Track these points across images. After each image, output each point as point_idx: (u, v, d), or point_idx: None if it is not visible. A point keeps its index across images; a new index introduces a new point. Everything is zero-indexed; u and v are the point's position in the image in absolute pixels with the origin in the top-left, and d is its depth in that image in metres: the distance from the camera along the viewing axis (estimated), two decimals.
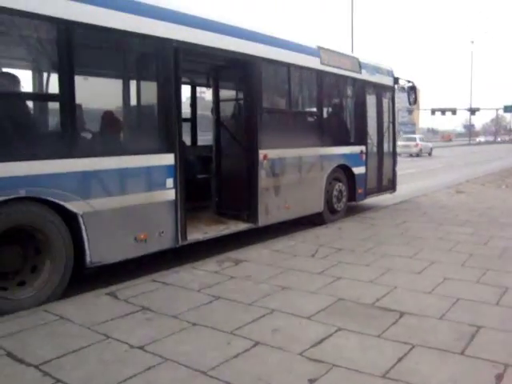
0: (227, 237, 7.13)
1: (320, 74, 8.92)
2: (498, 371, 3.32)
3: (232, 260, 6.15)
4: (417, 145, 41.33)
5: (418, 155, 40.25)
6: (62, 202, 4.90)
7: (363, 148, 10.26)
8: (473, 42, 76.49)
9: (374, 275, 5.49)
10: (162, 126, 6.13)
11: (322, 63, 8.90)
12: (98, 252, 5.23)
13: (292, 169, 8.21)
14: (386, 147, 11.43)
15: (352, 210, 10.14)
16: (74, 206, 5.00)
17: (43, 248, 4.89)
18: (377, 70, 10.84)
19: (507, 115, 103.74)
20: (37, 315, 4.36)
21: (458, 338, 3.83)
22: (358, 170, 10.09)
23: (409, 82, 12.10)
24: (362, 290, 5.02)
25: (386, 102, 11.33)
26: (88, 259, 5.15)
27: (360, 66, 10.15)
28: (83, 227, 5.07)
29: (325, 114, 9.37)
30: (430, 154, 42.26)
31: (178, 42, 6.07)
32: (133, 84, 6.25)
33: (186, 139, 7.92)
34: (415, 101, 12.38)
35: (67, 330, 4.04)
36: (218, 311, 4.46)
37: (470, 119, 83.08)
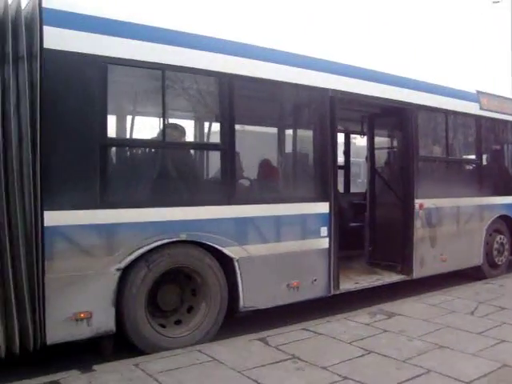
0: (379, 288, 6.91)
1: (479, 119, 8.52)
2: None
3: (385, 313, 5.93)
4: None
5: None
6: (219, 247, 5.10)
7: None
8: None
9: None
10: (318, 174, 6.19)
11: (481, 108, 8.51)
12: (250, 297, 5.33)
13: (449, 219, 7.83)
14: None
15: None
16: (230, 251, 5.18)
17: (199, 290, 5.10)
18: None
19: None
20: (191, 354, 4.52)
21: None
22: None
23: None
24: None
25: None
26: (241, 303, 5.26)
27: None
28: (238, 272, 5.22)
29: (484, 162, 8.87)
30: None
31: (333, 91, 6.16)
32: (289, 133, 6.44)
33: (340, 186, 7.91)
34: None
35: (219, 372, 4.13)
36: (369, 366, 4.29)
37: None
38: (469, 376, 4.07)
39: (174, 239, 4.81)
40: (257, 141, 6.32)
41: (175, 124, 5.59)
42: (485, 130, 8.75)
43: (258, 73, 5.51)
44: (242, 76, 5.37)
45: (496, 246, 8.75)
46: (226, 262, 5.20)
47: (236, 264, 5.21)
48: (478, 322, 5.64)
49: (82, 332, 4.38)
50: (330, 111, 6.14)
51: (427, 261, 7.38)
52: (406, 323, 5.54)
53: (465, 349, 4.71)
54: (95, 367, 4.22)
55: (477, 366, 4.29)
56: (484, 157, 8.86)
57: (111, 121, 4.98)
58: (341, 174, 9.13)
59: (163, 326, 4.94)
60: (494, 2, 30.76)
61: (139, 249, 4.62)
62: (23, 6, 4.41)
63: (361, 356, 4.52)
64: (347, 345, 4.81)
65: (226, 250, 5.14)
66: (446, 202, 7.75)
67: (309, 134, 6.32)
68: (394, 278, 7.12)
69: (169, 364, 4.27)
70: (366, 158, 7.96)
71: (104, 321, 4.47)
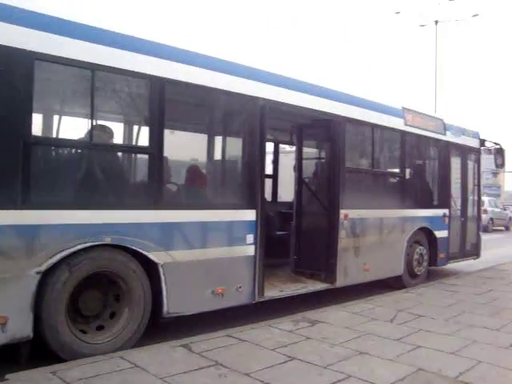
0: (304, 296, 7.02)
1: (404, 134, 8.85)
2: None
3: (308, 320, 6.01)
4: (485, 211, 23.51)
5: (486, 229, 21.21)
6: (144, 252, 5.02)
7: (446, 211, 9.96)
8: None
9: (457, 346, 5.18)
10: (246, 182, 6.22)
11: (406, 124, 8.84)
12: (175, 303, 5.28)
13: (372, 230, 8.07)
14: (470, 211, 11.05)
15: (433, 276, 9.77)
16: (155, 256, 5.11)
17: (123, 295, 5.00)
18: (462, 131, 10.62)
19: None
20: (113, 361, 4.41)
21: None
22: (440, 234, 9.77)
23: (496, 144, 11.71)
24: (443, 361, 4.75)
25: (470, 164, 11.05)
26: (165, 309, 5.20)
27: (445, 127, 10.00)
28: (163, 277, 5.15)
29: (407, 176, 9.21)
30: (507, 228, 30.09)
31: (264, 100, 6.22)
32: (219, 139, 6.44)
33: (267, 195, 7.98)
34: (503, 164, 11.94)
35: (141, 379, 4.05)
36: (292, 372, 4.34)
37: None
38: (387, 380, 4.20)
39: (98, 243, 4.69)
40: (186, 146, 6.28)
41: (103, 125, 5.46)
42: (408, 145, 9.08)
43: (190, 78, 5.48)
44: (173, 80, 5.34)
45: (416, 256, 9.12)
46: (150, 268, 5.12)
47: (161, 269, 5.14)
48: (396, 329, 5.82)
49: None
50: (260, 120, 6.19)
51: (351, 270, 7.54)
52: (329, 330, 5.64)
53: (384, 354, 4.85)
54: (8, 376, 4.01)
55: (394, 371, 4.43)
56: (407, 171, 9.18)
57: (36, 119, 4.78)
58: (269, 183, 9.27)
59: (84, 332, 4.79)
60: (396, 13, 32.46)
61: (61, 252, 4.46)
62: None
63: (284, 362, 4.55)
64: (270, 351, 4.84)
65: (150, 255, 5.07)
66: (370, 213, 7.95)
67: (238, 141, 6.34)
68: (318, 286, 7.22)
69: (89, 371, 4.13)
70: (294, 168, 8.07)
71: (20, 326, 4.28)
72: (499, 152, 11.73)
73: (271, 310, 6.43)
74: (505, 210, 31.27)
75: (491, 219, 27.43)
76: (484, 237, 18.76)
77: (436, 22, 32.69)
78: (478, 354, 4.98)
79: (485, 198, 26.81)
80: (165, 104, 5.26)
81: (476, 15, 31.89)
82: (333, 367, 4.47)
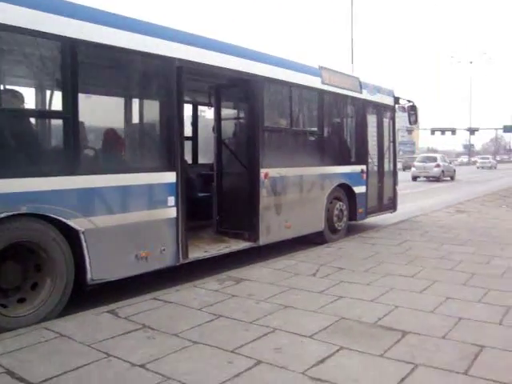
0: (229, 255, 7.13)
1: (321, 93, 8.98)
2: None
3: (233, 279, 6.13)
4: (438, 165, 33.36)
5: (438, 179, 32.69)
6: (63, 219, 4.90)
7: (364, 167, 10.29)
8: (471, 63, 76.37)
9: (376, 294, 5.47)
10: (165, 144, 6.16)
11: (323, 83, 8.96)
12: (99, 269, 5.21)
13: (293, 187, 8.21)
14: (387, 166, 11.45)
15: (352, 230, 10.12)
16: (75, 223, 5.00)
17: (44, 265, 4.87)
18: (377, 89, 10.90)
19: (506, 135, 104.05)
20: (37, 333, 4.33)
21: (462, 358, 3.81)
22: (359, 189, 10.10)
23: (409, 101, 12.13)
24: (363, 309, 5.00)
25: (386, 121, 11.39)
26: (89, 276, 5.13)
27: (361, 85, 10.21)
28: (85, 244, 5.06)
29: (326, 134, 9.38)
30: (452, 178, 35.47)
31: (180, 60, 6.12)
32: (135, 102, 6.31)
33: (188, 157, 7.94)
34: (416, 121, 12.42)
35: (67, 347, 4.02)
36: (219, 330, 4.43)
37: (470, 139, 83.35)
38: (311, 330, 4.37)
39: (14, 212, 4.53)
40: (102, 110, 6.09)
41: (13, 90, 5.21)
42: (326, 103, 9.23)
43: (102, 39, 5.29)
44: (85, 41, 5.12)
45: (336, 212, 9.38)
46: (71, 235, 5.01)
47: (82, 236, 5.04)
48: (319, 282, 6.04)
49: None
50: (177, 81, 6.10)
51: (273, 228, 7.69)
52: (254, 287, 5.78)
53: (307, 307, 5.04)
54: None
55: (318, 321, 4.62)
56: (325, 129, 9.35)
57: None
58: (189, 145, 9.20)
59: (4, 306, 4.64)
60: None
61: None
62: None
63: (210, 321, 4.64)
64: (197, 311, 4.92)
65: (70, 222, 4.95)
66: (290, 172, 8.08)
67: (155, 103, 6.25)
68: (241, 245, 7.33)
69: (11, 345, 4.04)
70: (213, 129, 8.05)
71: None
72: (412, 109, 12.16)
73: (198, 273, 6.48)
74: (451, 163, 38.48)
75: (443, 171, 33.57)
76: (436, 185, 20.36)
77: None
78: (395, 299, 5.28)
79: (437, 155, 37.92)
80: (77, 66, 5.07)
81: None
82: (259, 322, 4.60)
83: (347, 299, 5.32)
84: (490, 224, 11.06)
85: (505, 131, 75.21)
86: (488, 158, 65.06)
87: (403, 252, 7.82)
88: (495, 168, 60.32)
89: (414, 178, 33.56)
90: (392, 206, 11.67)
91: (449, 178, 34.83)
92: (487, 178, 38.53)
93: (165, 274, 6.16)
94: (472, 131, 72.60)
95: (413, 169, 35.11)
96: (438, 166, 33.30)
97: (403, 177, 23.08)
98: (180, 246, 6.16)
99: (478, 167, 62.45)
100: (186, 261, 6.31)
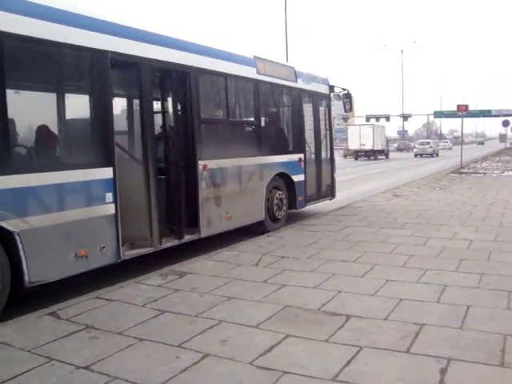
0: (171, 249, 7.06)
1: (257, 83, 8.99)
2: (441, 366, 3.44)
3: (176, 273, 6.08)
4: (431, 147, 54.91)
5: (432, 155, 53.06)
6: None
7: (301, 156, 10.39)
8: (402, 51, 78.31)
9: (319, 281, 5.56)
10: (100, 140, 6.03)
11: (258, 73, 8.97)
12: (37, 271, 5.06)
13: (232, 179, 8.23)
14: (324, 154, 11.63)
15: (293, 218, 10.23)
16: (9, 225, 4.82)
17: None
18: (312, 78, 11.03)
19: (437, 120, 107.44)
20: None
21: (403, 337, 3.94)
22: (298, 178, 10.20)
23: (344, 89, 12.32)
24: (307, 296, 5.08)
25: (322, 109, 11.53)
26: (26, 279, 4.96)
27: (296, 74, 10.30)
28: (20, 246, 4.89)
29: (263, 123, 9.41)
30: (437, 155, 54.49)
31: (113, 53, 6.00)
32: (67, 98, 6.10)
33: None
34: (351, 108, 12.62)
35: (6, 354, 3.87)
36: (164, 325, 4.40)
37: (403, 125, 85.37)
38: (257, 320, 4.41)
39: None
40: (34, 106, 5.86)
41: None
42: (262, 93, 9.25)
43: (33, 32, 5.11)
44: (13, 34, 4.92)
45: (276, 201, 9.47)
46: (5, 237, 4.83)
47: (17, 238, 4.86)
48: (262, 271, 6.08)
49: None
50: (110, 74, 5.98)
51: (214, 220, 7.70)
52: (197, 280, 5.76)
53: (252, 297, 5.08)
54: None
55: (263, 311, 4.66)
56: (262, 119, 9.37)
57: None
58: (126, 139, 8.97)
59: None
60: None
61: None
62: None
63: (155, 316, 4.59)
64: (141, 308, 4.86)
65: (3, 224, 4.76)
66: (228, 163, 8.10)
67: (90, 98, 6.07)
68: (183, 238, 7.29)
69: None
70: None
71: None
72: (347, 97, 12.35)
73: (140, 269, 6.40)
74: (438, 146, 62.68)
75: (433, 150, 54.46)
76: (374, 170, 20.80)
77: None
78: (338, 285, 5.40)
79: (430, 140, 63.22)
80: (3, 61, 4.88)
81: None
82: (204, 315, 4.60)
83: (291, 287, 5.39)
84: (425, 206, 11.44)
85: (435, 117, 77.59)
86: (429, 143, 57.23)
87: (344, 238, 7.97)
88: (437, 155, 54.48)
89: (416, 155, 53.09)
90: (331, 193, 11.86)
91: (435, 155, 53.56)
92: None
93: (107, 271, 6.04)
94: (405, 117, 74.56)
95: (415, 149, 55.65)
96: (430, 147, 54.74)
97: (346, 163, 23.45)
98: (120, 242, 6.05)
99: (415, 155, 54.09)
100: (128, 257, 6.22)
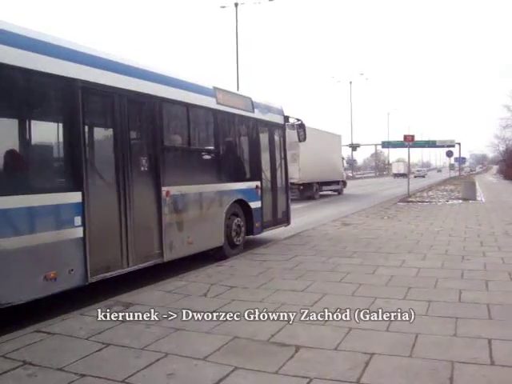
0: (117, 279, 6.62)
1: (216, 113, 8.95)
2: None
3: (122, 303, 5.69)
4: (420, 171, 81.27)
5: (423, 177, 77.67)
6: None
7: (258, 183, 10.26)
8: (351, 83, 79.61)
9: (268, 311, 5.24)
10: (68, 164, 5.94)
11: (217, 103, 8.93)
12: (5, 293, 4.85)
13: (193, 204, 8.14)
14: (280, 182, 11.51)
15: (250, 245, 9.98)
16: None
17: None
18: (268, 108, 10.95)
19: (385, 150, 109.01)
20: None
21: (353, 367, 3.76)
22: (255, 205, 10.06)
23: (298, 120, 12.32)
24: (256, 326, 4.79)
25: (277, 139, 11.46)
26: None
27: (253, 105, 10.22)
28: None
29: (222, 152, 9.28)
30: (424, 177, 74.97)
31: (83, 81, 5.97)
32: (40, 123, 6.05)
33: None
34: (304, 137, 12.53)
35: None
36: (108, 359, 4.04)
37: (352, 155, 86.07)
38: (204, 352, 4.13)
39: None
40: (3, 131, 5.57)
41: None
42: (221, 122, 9.21)
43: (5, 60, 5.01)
44: None
45: (234, 227, 9.32)
46: None
47: None
48: (210, 302, 5.77)
49: None
50: (80, 102, 5.91)
51: (176, 244, 7.56)
52: (143, 312, 5.32)
53: (199, 328, 4.77)
54: None
55: (211, 343, 4.37)
56: (221, 147, 9.27)
57: None
58: None
59: None
60: (221, 7, 34.52)
61: None
62: None
63: (99, 350, 4.23)
64: (84, 341, 4.47)
65: None
66: (189, 189, 8.03)
67: (59, 125, 6.02)
68: (147, 262, 7.02)
69: None
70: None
71: None
72: (301, 127, 12.36)
73: (87, 297, 5.99)
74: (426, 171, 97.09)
75: (423, 174, 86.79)
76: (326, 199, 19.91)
77: (236, 5, 35.53)
78: (287, 315, 5.09)
79: (422, 168, 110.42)
80: None
81: None
82: (150, 347, 4.28)
83: (240, 318, 5.07)
84: (374, 235, 11.29)
85: (383, 147, 78.34)
86: (421, 170, 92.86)
87: (293, 267, 7.66)
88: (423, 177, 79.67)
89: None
90: (286, 219, 11.69)
91: (424, 176, 76.04)
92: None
93: (49, 302, 5.59)
94: (354, 147, 75.28)
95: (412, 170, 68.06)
96: (419, 171, 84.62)
97: None
98: (88, 265, 5.85)
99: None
100: (94, 280, 6.01)
